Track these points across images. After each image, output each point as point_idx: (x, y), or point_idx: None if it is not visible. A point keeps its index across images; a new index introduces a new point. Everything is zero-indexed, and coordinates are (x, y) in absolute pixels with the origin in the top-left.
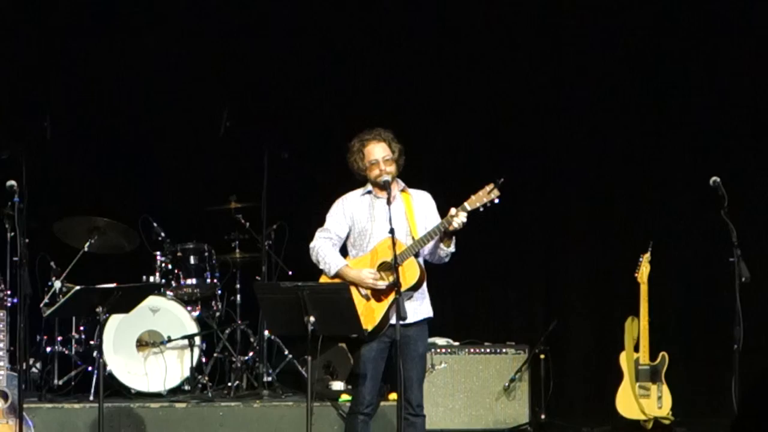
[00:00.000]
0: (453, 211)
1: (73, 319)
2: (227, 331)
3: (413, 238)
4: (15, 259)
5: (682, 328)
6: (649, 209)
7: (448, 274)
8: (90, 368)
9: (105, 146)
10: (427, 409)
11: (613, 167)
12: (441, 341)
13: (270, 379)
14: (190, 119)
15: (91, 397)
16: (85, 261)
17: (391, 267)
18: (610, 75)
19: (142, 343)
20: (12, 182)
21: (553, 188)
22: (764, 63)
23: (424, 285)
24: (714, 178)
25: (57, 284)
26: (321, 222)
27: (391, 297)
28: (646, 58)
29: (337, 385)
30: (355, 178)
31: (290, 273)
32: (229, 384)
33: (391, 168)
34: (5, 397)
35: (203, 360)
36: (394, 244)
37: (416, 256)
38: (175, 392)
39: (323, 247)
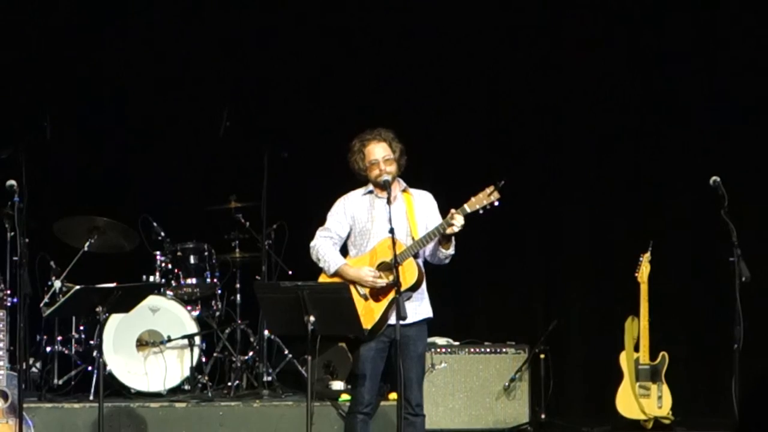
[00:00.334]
0: (452, 213)
1: (73, 318)
2: (227, 331)
3: (413, 238)
4: (15, 258)
5: (683, 327)
6: (649, 209)
7: (448, 274)
8: (90, 368)
9: (105, 146)
10: (427, 409)
11: (613, 167)
12: (441, 341)
13: (270, 378)
14: (190, 119)
15: (91, 397)
16: (85, 261)
17: (389, 267)
18: (610, 75)
19: (142, 343)
20: (12, 182)
21: (553, 188)
22: (764, 62)
23: (424, 285)
24: (714, 177)
25: (57, 284)
26: (321, 222)
27: (390, 297)
28: (646, 57)
29: (337, 385)
30: (355, 178)
31: (290, 273)
32: (229, 384)
33: (392, 168)
34: (5, 396)
35: (203, 360)
36: (394, 243)
37: (415, 256)
38: (175, 392)
39: (323, 246)
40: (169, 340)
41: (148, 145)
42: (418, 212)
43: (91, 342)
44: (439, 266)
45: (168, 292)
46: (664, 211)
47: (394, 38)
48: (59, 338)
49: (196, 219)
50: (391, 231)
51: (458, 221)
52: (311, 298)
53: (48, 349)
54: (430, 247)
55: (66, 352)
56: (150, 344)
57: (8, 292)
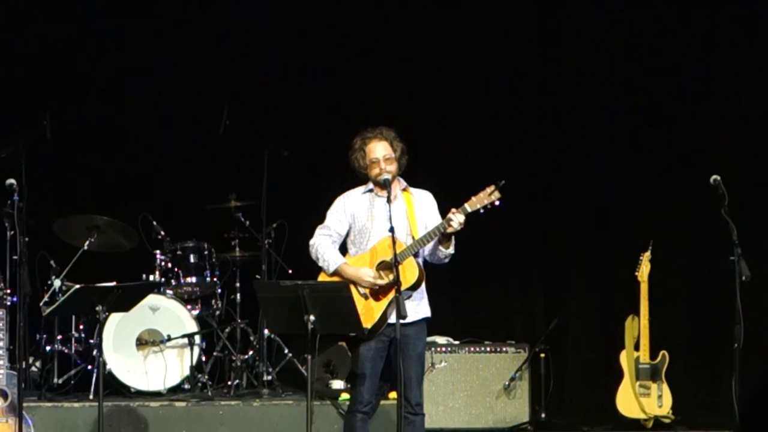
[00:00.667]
0: (452, 212)
1: (73, 317)
2: (227, 330)
3: (413, 237)
4: (15, 257)
5: (683, 326)
6: (649, 208)
7: (448, 273)
8: (90, 367)
9: (105, 145)
10: (427, 408)
11: (613, 166)
12: (441, 340)
13: (270, 377)
14: (190, 117)
15: (91, 396)
16: (85, 259)
17: (389, 266)
18: (610, 74)
19: (141, 342)
20: (12, 181)
21: (553, 187)
22: (764, 62)
23: (423, 284)
24: (714, 176)
25: (57, 283)
26: (321, 220)
27: (390, 296)
28: (646, 57)
29: (337, 384)
30: (355, 177)
31: (290, 271)
32: (229, 383)
33: (392, 167)
34: (5, 395)
35: (203, 359)
36: (394, 242)
37: (415, 256)
38: (175, 391)
39: (323, 245)
40: (169, 339)
41: (148, 143)
42: (418, 211)
43: (91, 341)
44: (440, 265)
45: (168, 291)
46: (664, 210)
47: (395, 38)
48: (59, 337)
49: (196, 218)
50: (392, 230)
51: (457, 219)
52: (311, 297)
53: (48, 348)
54: (429, 246)
55: (66, 351)
56: (150, 343)
57: (8, 291)
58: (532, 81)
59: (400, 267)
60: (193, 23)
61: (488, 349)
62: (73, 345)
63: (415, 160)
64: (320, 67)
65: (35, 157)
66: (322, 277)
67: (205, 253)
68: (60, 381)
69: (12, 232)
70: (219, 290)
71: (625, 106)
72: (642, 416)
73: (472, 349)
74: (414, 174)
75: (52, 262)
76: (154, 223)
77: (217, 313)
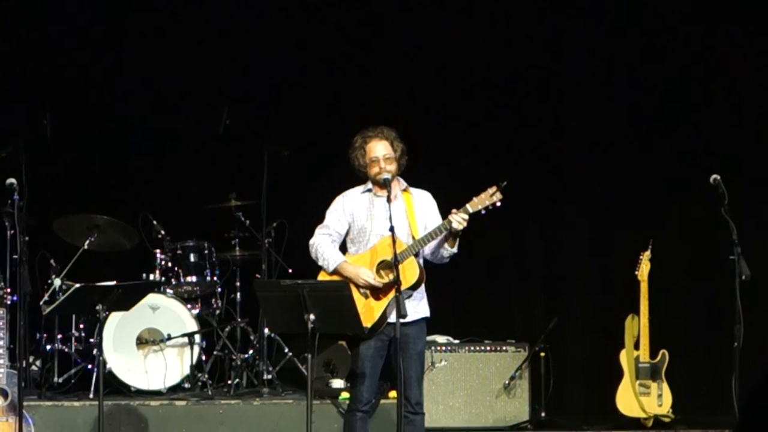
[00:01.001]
0: (453, 212)
1: (73, 316)
2: (227, 329)
3: (413, 237)
4: (15, 256)
5: (683, 326)
6: (649, 207)
7: (448, 272)
8: (90, 366)
9: (105, 144)
10: (427, 407)
11: (613, 165)
12: (441, 339)
13: (270, 377)
14: (190, 117)
15: (91, 395)
16: (85, 259)
17: (390, 266)
18: (610, 74)
19: (142, 341)
20: (12, 180)
21: (553, 187)
22: (765, 61)
23: (423, 284)
24: (714, 175)
25: (57, 282)
26: (321, 220)
27: (390, 295)
28: (646, 57)
29: (337, 383)
30: (355, 176)
31: (290, 271)
32: (229, 382)
33: (392, 167)
34: (5, 394)
35: (203, 358)
36: (394, 242)
37: (416, 255)
38: (175, 390)
39: (322, 244)
40: (169, 338)
41: (148, 142)
42: (417, 211)
43: (91, 340)
44: (440, 265)
45: (168, 290)
46: (664, 209)
47: (395, 37)
48: (59, 336)
49: (196, 217)
50: (392, 229)
51: (458, 218)
52: (311, 296)
53: (48, 347)
54: (431, 245)
55: (66, 350)
56: (150, 342)
57: (8, 290)
58: (532, 81)
59: (400, 267)
60: (193, 23)
61: (488, 348)
62: (74, 344)
63: (415, 160)
64: (320, 67)
65: (35, 157)
66: (321, 276)
67: (205, 252)
68: (60, 380)
69: (12, 232)
70: (219, 289)
71: (625, 106)
72: (642, 415)
73: (472, 348)
74: (414, 174)
75: (52, 262)
76: (155, 222)
77: (217, 312)
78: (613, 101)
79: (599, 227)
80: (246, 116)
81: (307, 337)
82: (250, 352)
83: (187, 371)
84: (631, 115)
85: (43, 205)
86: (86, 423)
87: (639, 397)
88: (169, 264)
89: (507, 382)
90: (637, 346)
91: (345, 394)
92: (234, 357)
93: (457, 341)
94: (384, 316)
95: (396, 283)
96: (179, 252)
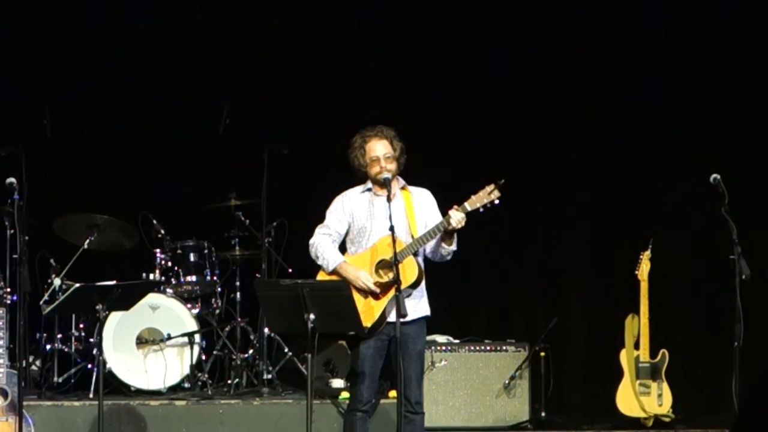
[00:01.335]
0: (453, 209)
1: (73, 316)
2: (227, 329)
3: (413, 236)
4: (15, 256)
5: (683, 325)
6: (649, 207)
7: (448, 272)
8: (90, 366)
9: (105, 143)
10: (427, 407)
11: (613, 164)
12: (441, 339)
13: (270, 376)
14: (190, 116)
15: (91, 395)
16: (85, 258)
17: (389, 265)
18: (610, 74)
19: (141, 341)
20: (12, 179)
21: (553, 186)
22: (764, 61)
23: (423, 283)
24: (714, 175)
25: (57, 281)
26: (321, 219)
27: (390, 295)
28: (646, 57)
29: (337, 383)
30: (355, 176)
31: (290, 270)
32: (229, 381)
33: (392, 166)
34: (5, 394)
35: (203, 357)
36: (394, 241)
37: (415, 254)
38: (175, 390)
39: (322, 244)
40: (169, 337)
41: (148, 142)
42: (417, 210)
43: (91, 340)
44: (440, 263)
45: (168, 290)
46: (664, 208)
47: (395, 36)
48: (59, 336)
49: (196, 217)
50: (391, 228)
51: (456, 217)
52: (311, 295)
53: (48, 346)
54: (431, 244)
55: (66, 350)
56: (150, 342)
57: (8, 289)
58: (532, 79)
59: (400, 266)
60: (193, 22)
61: (488, 347)
62: (73, 344)
63: (414, 159)
64: (320, 66)
65: (35, 156)
66: (321, 276)
67: (205, 251)
68: (60, 380)
69: (12, 231)
70: (219, 289)
71: (624, 106)
72: (642, 415)
73: (472, 347)
74: (413, 173)
75: (52, 261)
76: (154, 221)
77: (217, 311)
78: (614, 100)
79: (599, 227)
80: (246, 116)
81: (307, 337)
82: (250, 351)
83: (187, 371)
84: (631, 114)
85: (43, 205)
86: (86, 423)
87: (639, 396)
88: (169, 263)
89: (507, 381)
90: (637, 346)
91: (345, 394)
92: (234, 357)
93: (457, 341)
94: (384, 315)
95: (396, 282)
96: (179, 251)
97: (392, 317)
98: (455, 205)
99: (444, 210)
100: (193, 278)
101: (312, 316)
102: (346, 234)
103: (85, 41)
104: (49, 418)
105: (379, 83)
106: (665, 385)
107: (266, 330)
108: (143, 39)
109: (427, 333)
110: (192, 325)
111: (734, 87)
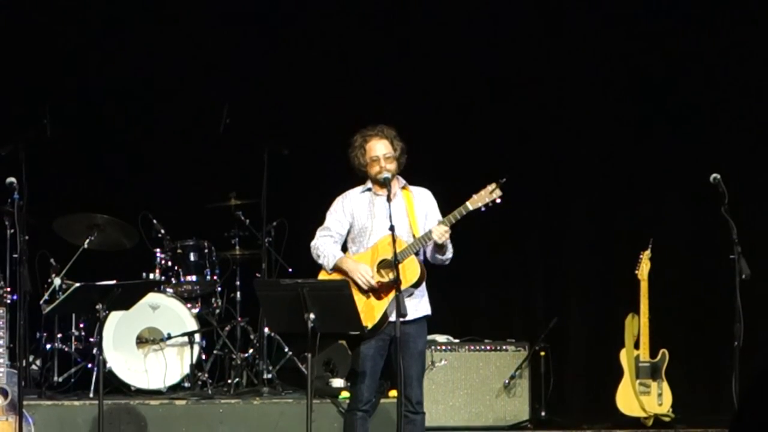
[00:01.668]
0: (439, 222)
1: (73, 316)
2: (227, 329)
3: (414, 235)
4: (15, 255)
5: (683, 325)
6: (649, 206)
7: (448, 272)
8: (90, 365)
9: (105, 143)
10: (427, 407)
11: (612, 164)
12: (441, 338)
13: (270, 376)
14: (190, 116)
15: (91, 394)
16: (85, 258)
17: (390, 265)
18: (610, 74)
19: (142, 340)
20: (12, 179)
21: (554, 185)
22: (764, 61)
23: (424, 283)
24: (714, 174)
25: (57, 281)
26: (321, 219)
27: (391, 295)
28: (646, 56)
29: (337, 383)
30: (355, 176)
31: (290, 270)
32: (229, 381)
33: (392, 166)
34: (5, 394)
35: (203, 357)
36: (394, 241)
37: (417, 254)
38: (175, 389)
39: (323, 244)
40: (169, 337)
41: (148, 141)
42: (417, 209)
43: (91, 339)
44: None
45: (168, 290)
46: (664, 208)
47: (395, 36)
48: (59, 335)
49: (196, 216)
50: (392, 228)
51: (437, 231)
52: (311, 295)
53: (48, 346)
54: (429, 249)
55: (66, 349)
56: (150, 341)
57: (8, 289)
58: (532, 79)
59: (401, 265)
60: (193, 22)
61: (488, 347)
62: (73, 343)
63: (414, 159)
64: (320, 66)
65: (35, 156)
66: (322, 276)
67: (205, 251)
68: (60, 379)
69: (12, 231)
70: (219, 289)
71: (624, 105)
72: (642, 414)
73: (472, 347)
74: (413, 173)
75: (52, 261)
76: (154, 221)
77: (217, 311)
78: (614, 100)
79: (599, 226)
80: (246, 116)
81: (307, 337)
82: (250, 351)
83: (187, 370)
84: (631, 114)
85: (43, 205)
86: (86, 422)
87: (639, 396)
88: (169, 263)
89: (507, 381)
90: (637, 346)
91: (345, 394)
92: (234, 356)
93: (457, 340)
94: (385, 316)
95: (396, 282)
96: (179, 251)
97: (394, 317)
98: (455, 209)
99: (444, 210)
100: (193, 278)
101: (312, 316)
102: (348, 234)
103: (84, 41)
104: (49, 417)
105: (380, 84)
106: (665, 385)
107: (266, 330)
108: (143, 39)
109: (427, 332)
110: (192, 325)
111: (734, 87)
